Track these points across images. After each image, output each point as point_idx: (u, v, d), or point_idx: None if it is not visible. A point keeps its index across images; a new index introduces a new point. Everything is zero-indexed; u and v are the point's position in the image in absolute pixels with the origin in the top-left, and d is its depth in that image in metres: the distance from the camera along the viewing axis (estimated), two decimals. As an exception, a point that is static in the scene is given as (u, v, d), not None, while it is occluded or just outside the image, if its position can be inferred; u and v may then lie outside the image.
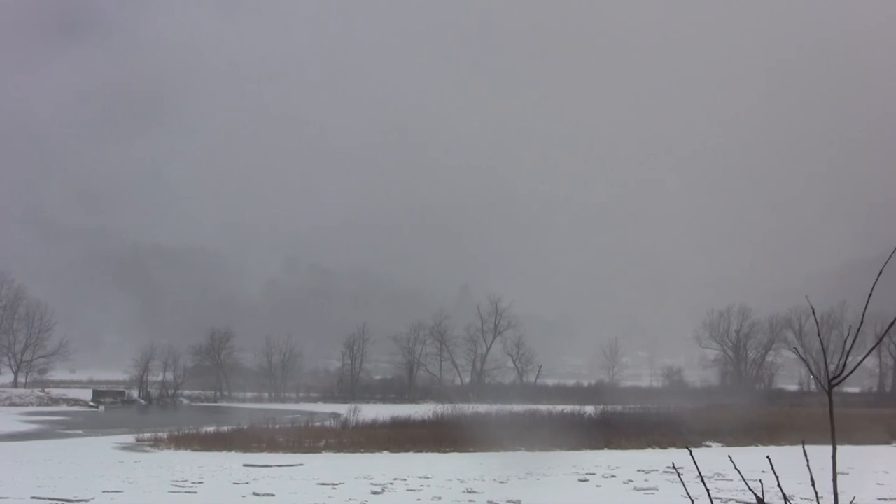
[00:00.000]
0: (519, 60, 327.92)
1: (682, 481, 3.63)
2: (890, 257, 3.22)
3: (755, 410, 68.67)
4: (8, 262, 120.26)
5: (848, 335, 3.06)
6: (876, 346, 3.76)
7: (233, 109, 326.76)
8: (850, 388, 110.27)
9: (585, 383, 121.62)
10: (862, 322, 3.26)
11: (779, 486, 3.69)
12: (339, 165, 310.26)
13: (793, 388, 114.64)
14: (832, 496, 3.03)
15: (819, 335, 4.38)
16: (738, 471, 3.71)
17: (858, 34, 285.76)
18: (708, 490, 3.38)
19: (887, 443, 51.15)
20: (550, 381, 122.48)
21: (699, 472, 3.49)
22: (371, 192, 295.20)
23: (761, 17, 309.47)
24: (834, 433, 3.20)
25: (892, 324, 3.34)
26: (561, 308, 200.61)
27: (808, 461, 3.29)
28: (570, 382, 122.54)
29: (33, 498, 25.63)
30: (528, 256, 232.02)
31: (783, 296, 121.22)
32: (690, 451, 3.75)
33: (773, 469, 3.47)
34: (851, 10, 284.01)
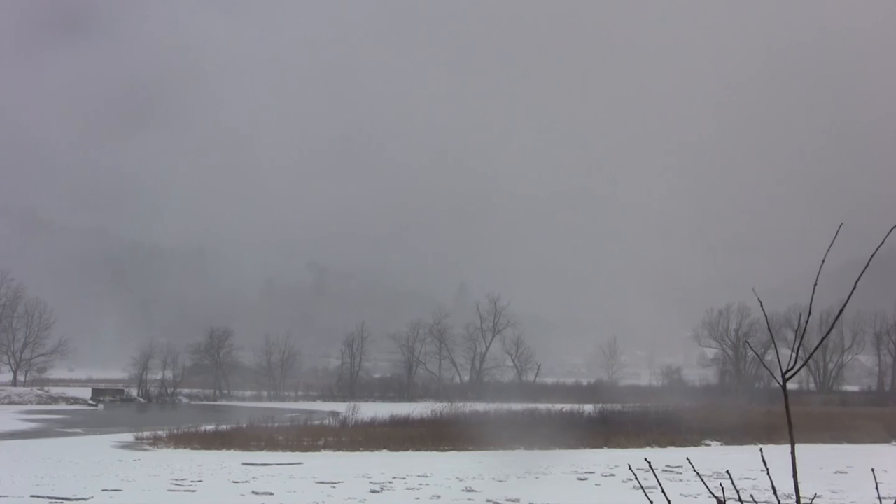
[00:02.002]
0: (516, 60, 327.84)
1: (626, 479, 3.61)
2: (871, 258, 3.21)
3: (754, 409, 68.66)
4: (7, 261, 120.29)
5: (798, 326, 3.05)
6: (823, 340, 3.74)
7: (232, 109, 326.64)
8: (850, 386, 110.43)
9: (584, 382, 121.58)
10: (809, 313, 3.24)
11: (734, 485, 3.69)
12: (338, 164, 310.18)
13: (792, 386, 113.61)
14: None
15: (769, 329, 4.35)
16: (698, 472, 3.70)
17: (859, 31, 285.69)
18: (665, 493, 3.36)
19: (887, 441, 51.15)
20: (549, 380, 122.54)
21: (652, 474, 3.48)
22: (370, 190, 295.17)
23: (757, 13, 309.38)
24: (791, 429, 3.17)
25: (838, 316, 3.32)
26: (560, 307, 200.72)
27: (765, 464, 3.28)
28: (569, 381, 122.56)
29: (32, 496, 25.61)
30: (527, 255, 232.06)
31: (782, 294, 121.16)
32: (648, 460, 3.74)
33: (730, 477, 3.46)
34: (846, 9, 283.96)
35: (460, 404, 67.38)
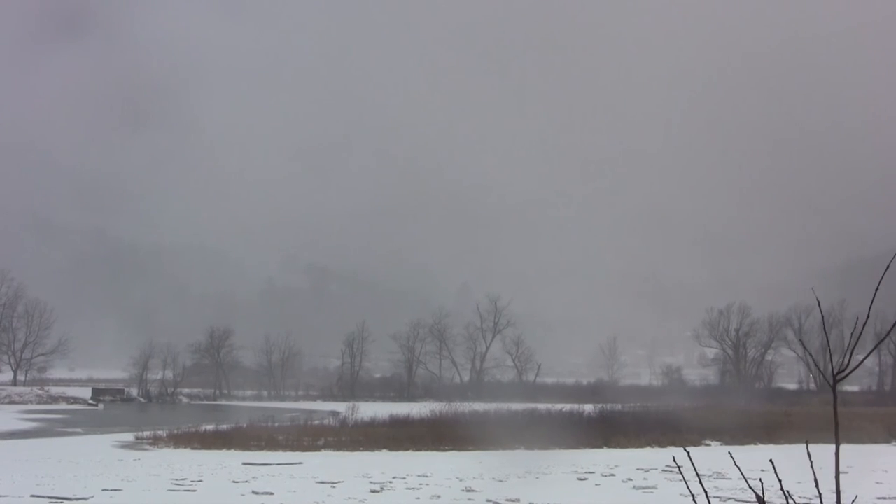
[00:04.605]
0: (515, 60, 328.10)
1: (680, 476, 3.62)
2: (879, 282, 3.21)
3: (754, 409, 68.64)
4: (8, 261, 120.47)
5: (854, 329, 3.05)
6: (880, 343, 3.75)
7: (232, 108, 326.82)
8: (850, 386, 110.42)
9: (584, 382, 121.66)
10: (868, 316, 3.24)
11: (781, 487, 3.69)
12: (339, 163, 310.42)
13: (792, 386, 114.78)
14: (834, 494, 3.02)
15: (824, 329, 4.38)
16: (739, 468, 3.70)
17: (857, 28, 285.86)
18: (705, 490, 3.37)
19: (887, 442, 51.16)
20: (549, 380, 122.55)
21: (696, 472, 3.48)
22: (371, 190, 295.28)
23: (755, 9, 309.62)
24: (838, 429, 3.19)
25: (894, 326, 3.33)
26: (560, 307, 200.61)
27: (811, 459, 3.29)
28: (570, 381, 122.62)
29: (33, 496, 25.61)
30: (527, 255, 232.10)
31: (783, 294, 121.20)
32: (688, 452, 3.75)
33: (774, 468, 3.47)
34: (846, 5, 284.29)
35: (460, 404, 67.36)
